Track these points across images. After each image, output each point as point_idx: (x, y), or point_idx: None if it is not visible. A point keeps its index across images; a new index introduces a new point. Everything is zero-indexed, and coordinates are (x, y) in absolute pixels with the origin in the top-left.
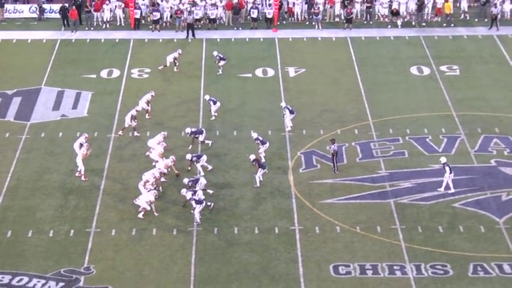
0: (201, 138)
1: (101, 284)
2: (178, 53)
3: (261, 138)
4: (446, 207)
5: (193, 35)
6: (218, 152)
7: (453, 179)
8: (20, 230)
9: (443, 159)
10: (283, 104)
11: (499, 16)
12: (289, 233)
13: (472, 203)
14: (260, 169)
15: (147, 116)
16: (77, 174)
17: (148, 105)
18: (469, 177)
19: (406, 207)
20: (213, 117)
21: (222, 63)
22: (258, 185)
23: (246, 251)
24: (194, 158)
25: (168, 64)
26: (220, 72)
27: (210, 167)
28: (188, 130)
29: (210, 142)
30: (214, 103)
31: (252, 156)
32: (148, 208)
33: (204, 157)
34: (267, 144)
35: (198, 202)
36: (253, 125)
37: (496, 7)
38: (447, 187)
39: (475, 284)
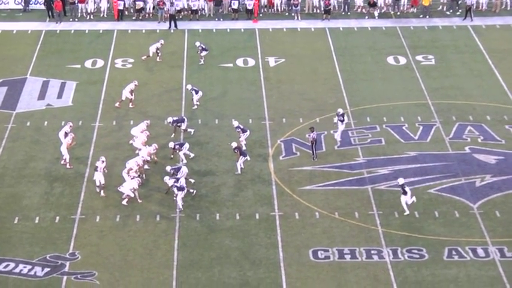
0: (183, 126)
1: (85, 269)
2: (161, 44)
3: (242, 127)
4: (422, 193)
5: (175, 25)
6: (200, 140)
7: (429, 165)
8: (6, 216)
9: (400, 181)
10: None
11: (473, 7)
12: (269, 219)
13: (447, 189)
14: (241, 157)
15: (130, 105)
16: (62, 162)
17: (131, 95)
18: (444, 163)
19: (383, 193)
20: (195, 106)
21: (204, 53)
22: (239, 172)
23: (227, 237)
24: (177, 146)
25: (151, 54)
26: (202, 62)
27: (192, 155)
28: (170, 119)
29: (192, 130)
30: (197, 92)
31: (234, 144)
32: (132, 195)
33: (187, 145)
34: (248, 133)
35: (180, 189)
36: (235, 114)
37: None
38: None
39: (450, 268)
